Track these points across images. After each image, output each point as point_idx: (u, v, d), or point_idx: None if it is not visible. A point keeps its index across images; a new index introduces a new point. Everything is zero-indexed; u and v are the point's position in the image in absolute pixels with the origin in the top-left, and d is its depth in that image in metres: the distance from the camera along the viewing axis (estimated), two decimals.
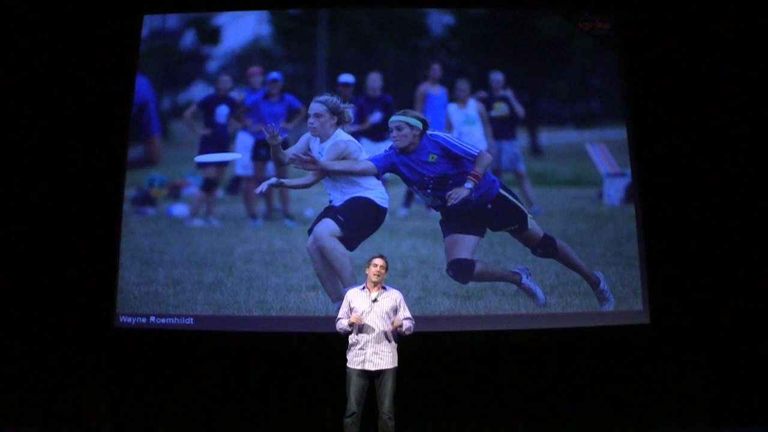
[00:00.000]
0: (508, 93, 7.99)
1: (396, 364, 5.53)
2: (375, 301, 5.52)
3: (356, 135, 7.25)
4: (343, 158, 6.58)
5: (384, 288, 5.59)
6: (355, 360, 5.50)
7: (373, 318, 5.49)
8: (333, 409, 5.79)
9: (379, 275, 5.55)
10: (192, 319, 7.03)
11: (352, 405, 5.45)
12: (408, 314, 5.58)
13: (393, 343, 5.54)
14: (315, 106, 6.64)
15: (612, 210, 7.85)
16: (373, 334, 5.48)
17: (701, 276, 7.23)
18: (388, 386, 5.46)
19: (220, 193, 8.21)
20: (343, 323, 5.53)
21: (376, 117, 7.94)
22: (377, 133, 7.87)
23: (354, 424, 5.44)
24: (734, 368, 7.12)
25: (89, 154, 7.39)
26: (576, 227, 7.70)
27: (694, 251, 7.28)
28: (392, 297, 5.57)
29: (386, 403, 5.45)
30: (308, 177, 6.68)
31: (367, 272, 5.60)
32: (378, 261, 5.58)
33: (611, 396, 7.07)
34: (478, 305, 6.97)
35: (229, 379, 7.08)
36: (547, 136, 8.39)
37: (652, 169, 7.44)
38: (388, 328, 5.51)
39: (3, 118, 7.46)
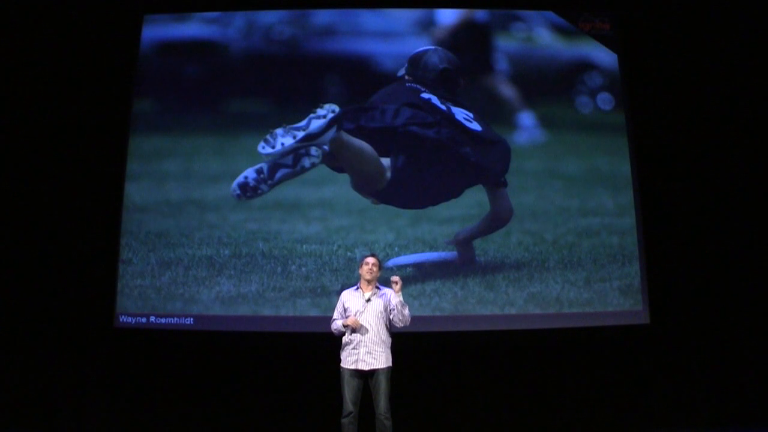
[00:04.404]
0: None
1: (390, 364, 5.48)
2: (368, 300, 5.51)
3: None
4: None
5: (378, 287, 5.57)
6: (348, 360, 5.47)
7: (366, 318, 5.47)
8: (332, 409, 5.79)
9: (371, 273, 5.52)
10: (192, 319, 7.03)
11: (348, 405, 5.41)
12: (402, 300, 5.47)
13: (387, 342, 5.50)
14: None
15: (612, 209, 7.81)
16: (367, 334, 5.44)
17: (701, 276, 7.23)
18: (382, 386, 5.41)
19: None
20: (337, 324, 5.52)
21: None
22: None
23: (352, 424, 5.40)
24: (734, 368, 7.12)
25: (89, 153, 7.40)
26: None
27: (693, 251, 7.28)
28: (386, 296, 5.52)
29: (382, 404, 5.40)
30: None
31: (360, 272, 5.59)
32: (370, 259, 5.56)
33: (611, 396, 7.06)
34: (478, 305, 6.97)
35: (229, 379, 7.09)
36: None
37: (652, 169, 7.43)
38: (382, 327, 5.49)
39: (3, 118, 7.47)
